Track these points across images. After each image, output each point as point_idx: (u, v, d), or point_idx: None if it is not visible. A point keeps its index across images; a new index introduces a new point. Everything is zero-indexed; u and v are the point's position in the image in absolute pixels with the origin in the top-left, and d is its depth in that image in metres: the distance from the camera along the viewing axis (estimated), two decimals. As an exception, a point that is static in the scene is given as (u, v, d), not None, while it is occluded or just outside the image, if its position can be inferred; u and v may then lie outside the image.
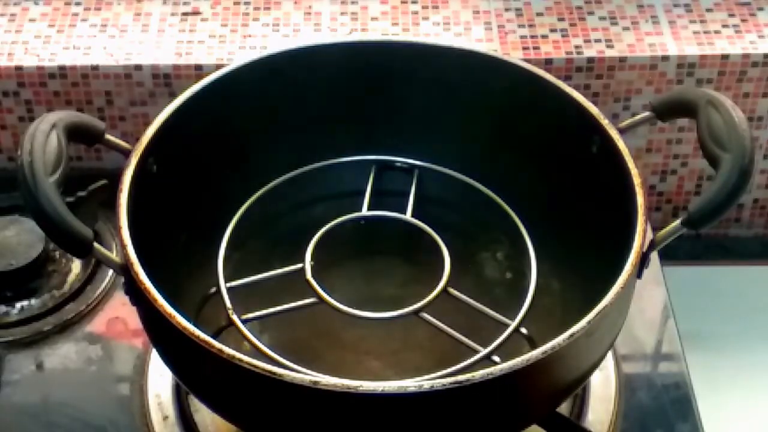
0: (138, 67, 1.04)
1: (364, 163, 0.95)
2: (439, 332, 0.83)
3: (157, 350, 0.81)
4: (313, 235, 0.88)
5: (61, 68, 1.04)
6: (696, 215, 0.76)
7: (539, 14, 1.08)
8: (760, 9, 1.08)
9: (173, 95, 0.93)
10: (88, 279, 1.00)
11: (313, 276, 0.85)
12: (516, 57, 0.98)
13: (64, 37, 1.06)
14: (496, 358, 0.80)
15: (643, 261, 0.77)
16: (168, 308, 0.72)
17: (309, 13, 1.09)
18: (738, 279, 1.11)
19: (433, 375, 0.75)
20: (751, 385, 1.03)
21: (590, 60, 1.03)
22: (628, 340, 0.94)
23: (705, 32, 1.06)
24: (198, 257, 0.88)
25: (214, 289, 0.85)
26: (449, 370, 0.78)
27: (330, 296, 0.83)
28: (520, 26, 1.07)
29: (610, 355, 0.91)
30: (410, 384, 0.68)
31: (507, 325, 0.83)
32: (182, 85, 1.01)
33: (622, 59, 1.03)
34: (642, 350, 0.95)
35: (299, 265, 0.85)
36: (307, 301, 0.84)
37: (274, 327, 0.89)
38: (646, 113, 0.85)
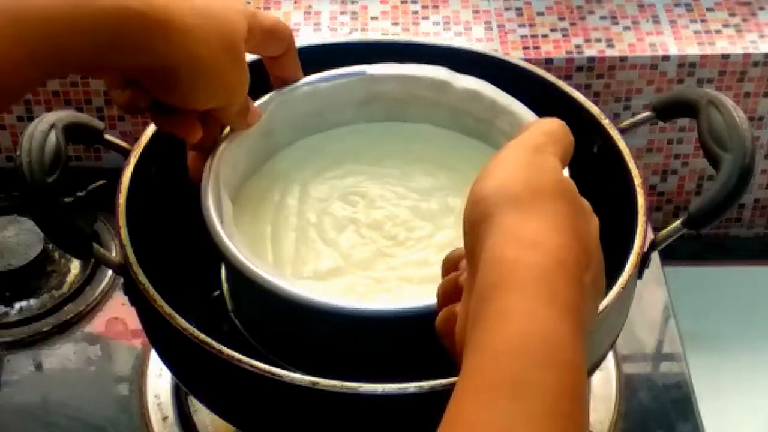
0: (137, 67, 1.03)
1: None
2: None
3: (156, 350, 0.81)
4: (312, 235, 0.88)
5: (61, 68, 1.04)
6: (697, 215, 0.76)
7: (539, 14, 1.08)
8: (761, 9, 1.08)
9: (173, 95, 0.92)
10: (88, 279, 1.00)
11: (313, 276, 0.84)
12: (516, 57, 0.98)
13: (63, 37, 1.06)
14: (496, 359, 0.80)
15: (643, 261, 0.77)
16: (167, 308, 0.72)
17: (309, 13, 1.09)
18: (738, 279, 1.11)
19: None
20: (751, 385, 1.03)
21: (591, 60, 1.03)
22: (628, 340, 0.94)
23: (706, 32, 1.05)
24: (198, 257, 0.88)
25: (217, 293, 0.85)
26: (449, 370, 0.77)
27: (330, 296, 0.83)
28: (521, 26, 1.07)
29: (610, 355, 0.91)
30: (410, 384, 0.68)
31: (507, 326, 0.82)
32: (182, 84, 1.00)
33: (623, 59, 1.03)
34: (643, 350, 0.95)
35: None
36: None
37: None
38: (647, 113, 0.84)
